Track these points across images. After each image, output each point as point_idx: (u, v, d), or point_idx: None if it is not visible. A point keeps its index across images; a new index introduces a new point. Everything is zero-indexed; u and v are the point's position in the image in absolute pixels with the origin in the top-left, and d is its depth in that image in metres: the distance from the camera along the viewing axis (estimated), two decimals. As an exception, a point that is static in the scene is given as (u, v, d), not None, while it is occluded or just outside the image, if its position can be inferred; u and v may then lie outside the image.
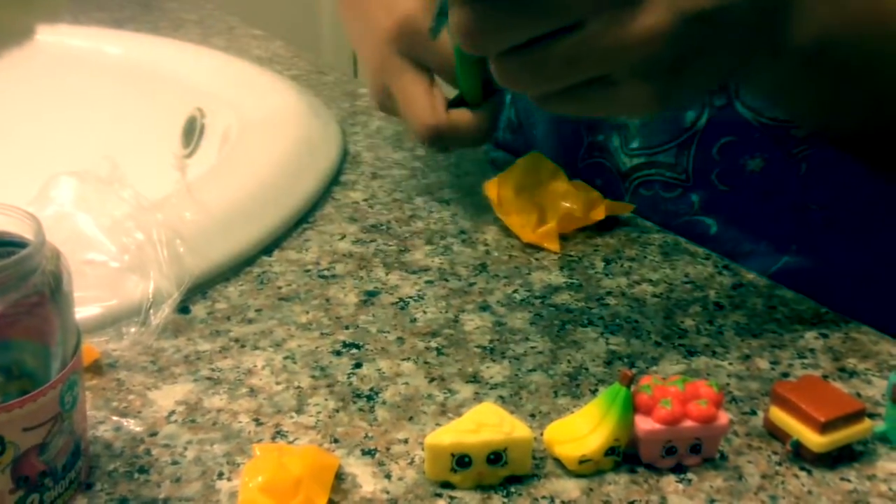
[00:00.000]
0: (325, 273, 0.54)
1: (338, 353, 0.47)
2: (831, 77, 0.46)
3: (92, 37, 0.90)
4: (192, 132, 0.75)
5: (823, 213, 0.59)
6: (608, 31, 0.37)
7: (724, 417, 0.39)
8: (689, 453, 0.40)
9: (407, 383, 0.45)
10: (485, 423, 0.38)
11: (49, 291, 0.34)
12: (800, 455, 0.41)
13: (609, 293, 0.53)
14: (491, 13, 0.37)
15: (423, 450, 0.39)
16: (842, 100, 0.48)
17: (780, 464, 0.40)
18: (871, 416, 0.42)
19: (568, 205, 0.59)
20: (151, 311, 0.48)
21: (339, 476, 0.39)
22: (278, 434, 0.41)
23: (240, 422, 0.42)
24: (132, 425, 0.42)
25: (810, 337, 0.49)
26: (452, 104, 0.58)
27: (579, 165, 0.66)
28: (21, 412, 0.33)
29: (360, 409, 0.43)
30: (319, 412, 0.43)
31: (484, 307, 0.51)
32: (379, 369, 0.46)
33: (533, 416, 0.43)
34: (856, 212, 0.58)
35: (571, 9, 0.37)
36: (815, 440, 0.40)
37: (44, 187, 0.53)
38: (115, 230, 0.51)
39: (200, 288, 0.52)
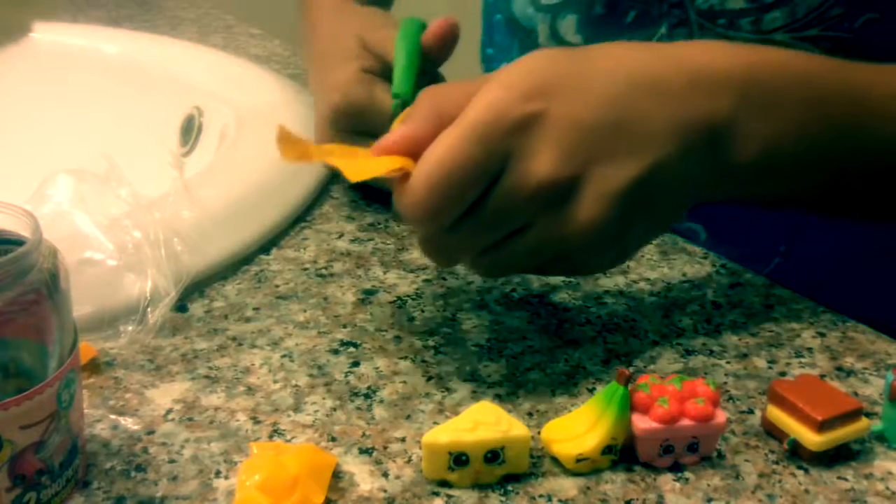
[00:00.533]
0: (323, 272, 0.54)
1: (335, 352, 0.47)
2: (783, 176, 0.47)
3: (89, 35, 0.90)
4: (189, 130, 0.75)
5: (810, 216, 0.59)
6: (552, 227, 0.42)
7: (721, 416, 0.39)
8: (686, 452, 0.40)
9: (405, 382, 0.45)
10: (482, 422, 0.38)
11: (46, 289, 0.33)
12: (797, 454, 0.41)
13: (607, 292, 0.53)
14: (454, 236, 0.42)
15: (420, 448, 0.39)
16: (799, 188, 0.48)
17: (777, 462, 0.41)
18: (869, 415, 0.42)
19: None
20: (149, 309, 0.48)
21: (337, 475, 0.39)
22: (276, 433, 0.41)
23: (237, 420, 0.42)
24: (129, 423, 0.42)
25: (808, 336, 0.49)
26: None
27: None
28: (18, 410, 0.33)
29: (358, 408, 0.43)
30: (317, 411, 0.43)
31: (482, 306, 0.51)
32: (377, 368, 0.46)
33: (530, 414, 0.43)
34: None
35: (517, 218, 0.42)
36: (812, 439, 0.40)
37: (41, 185, 0.53)
38: (113, 228, 0.51)
39: (198, 286, 0.52)
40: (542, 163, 0.40)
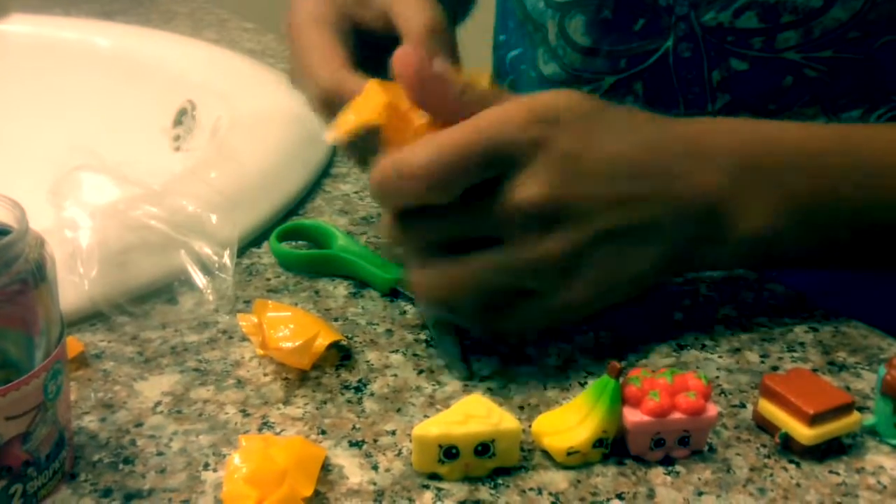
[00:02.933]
0: (315, 265, 0.54)
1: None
2: (783, 245, 0.47)
3: (82, 28, 0.90)
4: (182, 124, 0.75)
5: None
6: (522, 249, 0.41)
7: (712, 409, 0.39)
8: (677, 445, 0.40)
9: (395, 375, 0.45)
10: (473, 415, 0.38)
11: (32, 279, 0.33)
12: (788, 448, 0.40)
13: (599, 286, 0.53)
14: (421, 221, 0.42)
15: (410, 441, 0.39)
16: (799, 254, 0.49)
17: (768, 456, 0.40)
18: (861, 409, 0.42)
19: None
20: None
21: (326, 467, 0.39)
22: (265, 425, 0.41)
23: (226, 413, 0.42)
24: (118, 416, 0.41)
25: (800, 331, 0.49)
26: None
27: None
28: (3, 401, 0.33)
29: (348, 401, 0.43)
30: (307, 404, 0.43)
31: (473, 300, 0.51)
32: (367, 361, 0.46)
33: (521, 407, 0.43)
34: None
35: (489, 225, 0.41)
36: (803, 433, 0.39)
37: (56, 182, 0.52)
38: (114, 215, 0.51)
39: (188, 279, 0.51)
40: (533, 184, 0.41)
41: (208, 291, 0.49)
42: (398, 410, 0.42)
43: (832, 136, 0.48)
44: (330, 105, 0.46)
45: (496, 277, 0.43)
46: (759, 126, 0.47)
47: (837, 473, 0.40)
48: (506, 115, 0.41)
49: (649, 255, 0.44)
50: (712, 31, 0.54)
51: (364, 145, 0.44)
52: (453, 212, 0.42)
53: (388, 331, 0.48)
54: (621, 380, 0.39)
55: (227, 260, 0.50)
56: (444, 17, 0.47)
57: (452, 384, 0.44)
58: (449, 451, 0.38)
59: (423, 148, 0.40)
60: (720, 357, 0.47)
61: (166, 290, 0.50)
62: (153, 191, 0.53)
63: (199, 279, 0.50)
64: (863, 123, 0.48)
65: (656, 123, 0.45)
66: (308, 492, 0.36)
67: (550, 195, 0.41)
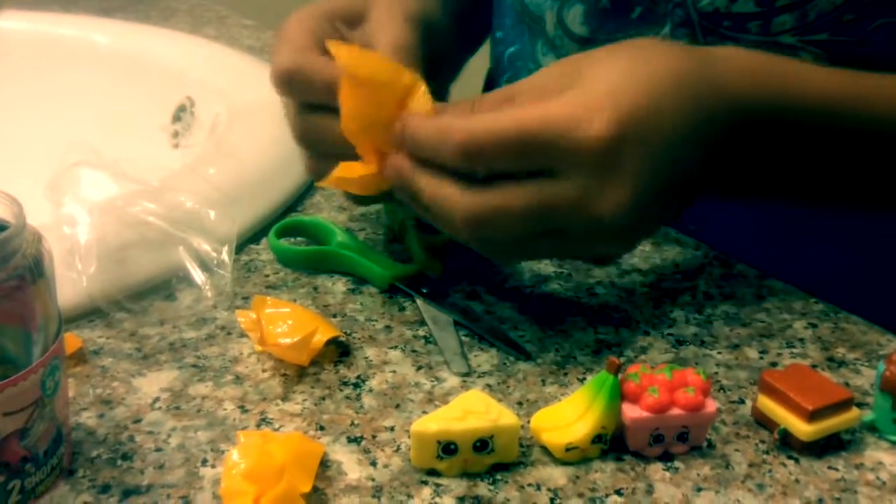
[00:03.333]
0: (313, 261, 0.54)
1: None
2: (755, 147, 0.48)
3: (81, 25, 0.90)
4: (180, 120, 0.75)
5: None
6: (575, 194, 0.41)
7: (711, 405, 0.39)
8: (676, 441, 0.40)
9: (394, 371, 0.45)
10: (471, 411, 0.38)
11: (30, 275, 0.33)
12: (787, 443, 0.40)
13: (598, 283, 0.53)
14: (481, 192, 0.42)
15: (409, 437, 0.39)
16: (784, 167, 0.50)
17: (767, 452, 0.40)
18: (860, 405, 0.42)
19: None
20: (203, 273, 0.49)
21: (325, 463, 0.39)
22: (263, 421, 0.41)
23: (225, 409, 0.42)
24: (116, 412, 0.41)
25: (799, 327, 0.49)
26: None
27: None
28: (1, 397, 0.33)
29: (347, 397, 0.43)
30: (305, 400, 0.42)
31: (472, 296, 0.51)
32: (366, 357, 0.46)
33: (520, 403, 0.43)
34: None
35: (548, 224, 0.42)
36: (802, 429, 0.39)
37: (54, 178, 0.52)
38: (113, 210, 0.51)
39: (187, 275, 0.51)
40: (611, 198, 0.41)
41: (206, 288, 0.49)
42: (397, 406, 0.42)
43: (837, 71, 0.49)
44: (288, 83, 0.48)
45: (535, 214, 0.42)
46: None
47: (836, 469, 0.40)
48: (566, 116, 0.41)
49: (674, 198, 0.45)
50: (709, 16, 0.54)
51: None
52: (506, 201, 0.42)
53: (387, 327, 0.48)
54: (620, 376, 0.39)
55: (225, 256, 0.50)
56: (412, 37, 0.48)
57: (451, 380, 0.44)
58: (447, 447, 0.38)
59: (483, 119, 0.41)
60: (719, 353, 0.47)
61: (164, 286, 0.50)
62: (152, 187, 0.53)
63: (198, 275, 0.50)
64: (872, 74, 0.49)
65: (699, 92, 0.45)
66: (306, 487, 0.36)
67: (626, 211, 0.42)
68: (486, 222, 0.42)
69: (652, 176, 0.42)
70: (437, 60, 0.51)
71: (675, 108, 0.43)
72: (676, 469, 0.39)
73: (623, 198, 0.41)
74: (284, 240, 0.55)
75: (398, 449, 0.40)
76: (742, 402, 0.43)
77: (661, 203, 0.44)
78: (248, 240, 0.56)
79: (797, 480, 0.39)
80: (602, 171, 0.41)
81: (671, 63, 0.44)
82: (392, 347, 0.46)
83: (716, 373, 0.45)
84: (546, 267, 0.54)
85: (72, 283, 0.47)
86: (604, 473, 0.39)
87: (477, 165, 0.42)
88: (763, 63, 0.48)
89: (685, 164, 0.44)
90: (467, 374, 0.44)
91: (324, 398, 0.43)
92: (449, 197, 0.42)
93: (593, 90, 0.42)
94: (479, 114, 0.42)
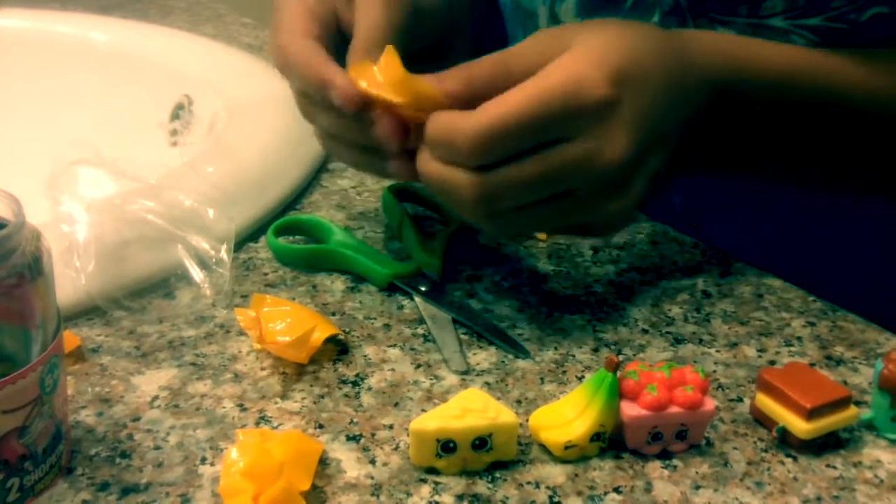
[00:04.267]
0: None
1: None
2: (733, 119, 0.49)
3: (79, 23, 0.90)
4: (179, 119, 0.74)
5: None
6: (584, 152, 0.42)
7: (710, 403, 0.39)
8: (674, 439, 0.40)
9: (393, 370, 0.45)
10: (470, 409, 0.38)
11: (29, 273, 0.33)
12: (786, 442, 0.41)
13: (597, 281, 0.53)
14: (489, 178, 0.42)
15: (408, 435, 0.39)
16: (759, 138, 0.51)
17: (765, 450, 0.40)
18: (858, 403, 0.42)
19: None
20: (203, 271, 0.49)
21: (324, 461, 0.39)
22: (262, 419, 0.41)
23: (223, 407, 0.42)
24: (115, 410, 0.41)
25: (797, 325, 0.49)
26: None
27: None
28: (0, 394, 0.33)
29: (346, 395, 0.43)
30: (304, 398, 0.42)
31: (471, 294, 0.51)
32: (365, 355, 0.46)
33: (519, 402, 0.43)
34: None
35: (564, 185, 0.43)
36: (801, 427, 0.39)
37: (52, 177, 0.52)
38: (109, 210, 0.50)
39: (186, 273, 0.51)
40: (615, 147, 0.42)
41: (205, 286, 0.49)
42: (395, 405, 0.42)
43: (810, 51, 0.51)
44: (283, 71, 0.48)
45: (548, 179, 0.43)
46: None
47: (834, 467, 0.40)
48: (572, 77, 0.42)
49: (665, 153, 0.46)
50: (699, 4, 0.54)
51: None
52: (519, 173, 0.42)
53: (386, 325, 0.48)
54: (619, 373, 0.39)
55: (223, 255, 0.50)
56: (390, 24, 0.48)
57: (450, 378, 0.44)
58: (446, 445, 0.38)
59: (491, 111, 0.41)
60: (717, 351, 0.47)
61: (163, 284, 0.50)
62: (150, 185, 0.53)
63: (196, 274, 0.50)
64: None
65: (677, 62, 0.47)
66: (305, 486, 0.36)
67: (630, 154, 0.43)
68: (498, 195, 0.43)
69: (647, 124, 0.44)
70: (445, 30, 0.52)
71: (660, 74, 0.45)
72: (675, 467, 0.39)
73: (625, 143, 0.43)
74: (283, 238, 0.55)
75: (397, 447, 0.40)
76: (740, 400, 0.43)
77: (656, 155, 0.45)
78: (247, 238, 0.56)
79: (795, 478, 0.39)
80: (605, 124, 0.42)
81: (651, 40, 0.46)
82: (391, 346, 0.46)
83: (714, 371, 0.45)
84: (545, 265, 0.54)
85: (70, 280, 0.47)
86: (602, 471, 0.39)
87: (487, 160, 0.42)
88: (732, 42, 0.50)
89: (672, 122, 0.45)
90: (466, 373, 0.44)
91: (323, 396, 0.43)
92: (459, 177, 0.43)
93: (587, 50, 0.43)
94: (480, 109, 0.42)
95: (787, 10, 0.52)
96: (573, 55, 0.43)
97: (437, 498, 0.37)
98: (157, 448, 0.39)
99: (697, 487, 0.38)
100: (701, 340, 0.48)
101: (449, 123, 0.42)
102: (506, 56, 0.44)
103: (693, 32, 0.50)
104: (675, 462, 0.40)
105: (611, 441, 0.40)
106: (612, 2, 0.57)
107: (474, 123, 0.41)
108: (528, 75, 0.42)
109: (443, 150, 0.43)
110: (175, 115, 0.75)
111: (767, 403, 0.41)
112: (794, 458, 0.40)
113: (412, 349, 0.46)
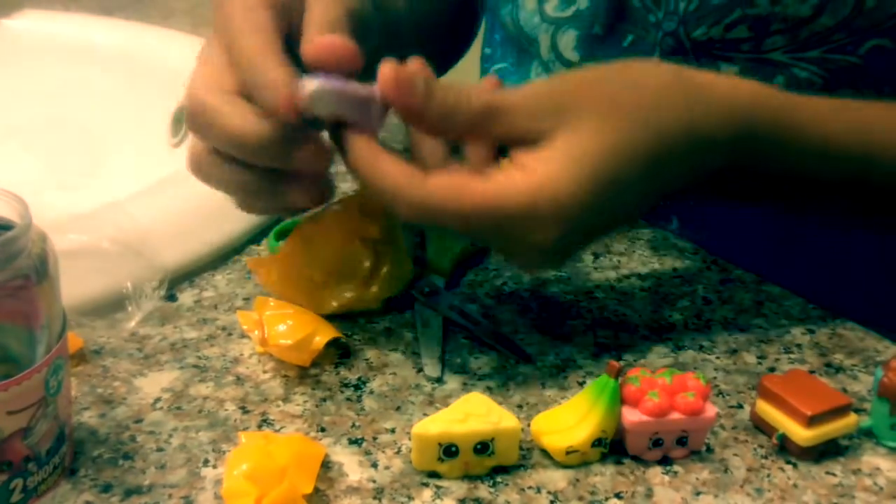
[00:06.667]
0: (314, 263, 0.54)
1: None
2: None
3: (81, 25, 0.90)
4: (180, 121, 0.74)
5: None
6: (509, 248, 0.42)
7: (711, 410, 0.40)
8: (675, 445, 0.40)
9: (395, 373, 0.45)
10: (472, 413, 0.38)
11: (34, 274, 0.33)
12: (786, 448, 0.41)
13: (598, 287, 0.53)
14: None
15: (410, 439, 0.39)
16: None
17: (765, 457, 0.41)
18: (858, 411, 0.42)
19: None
20: (135, 299, 0.48)
21: (326, 465, 0.39)
22: (265, 422, 0.41)
23: (226, 409, 0.42)
24: (118, 412, 0.41)
25: (797, 332, 0.50)
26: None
27: None
28: (5, 395, 0.33)
29: (348, 399, 0.43)
30: (306, 401, 0.43)
31: (472, 299, 0.51)
32: (367, 359, 0.46)
33: (520, 406, 0.43)
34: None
35: (492, 238, 0.41)
36: (801, 434, 0.40)
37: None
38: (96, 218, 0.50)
39: (188, 276, 0.52)
40: (544, 245, 0.41)
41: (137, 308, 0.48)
42: (397, 408, 0.42)
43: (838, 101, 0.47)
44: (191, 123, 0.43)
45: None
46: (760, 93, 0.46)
47: (834, 474, 0.40)
48: (533, 213, 0.39)
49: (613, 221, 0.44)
50: (701, 45, 0.54)
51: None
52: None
53: (388, 329, 0.48)
54: (620, 379, 0.39)
55: (156, 287, 0.49)
56: (339, 22, 0.43)
57: (451, 383, 0.44)
58: (448, 450, 0.38)
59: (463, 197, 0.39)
60: (718, 358, 0.47)
61: (117, 304, 0.48)
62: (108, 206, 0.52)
63: (136, 301, 0.48)
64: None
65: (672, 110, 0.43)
66: (308, 489, 0.37)
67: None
68: (429, 218, 0.40)
69: (606, 221, 0.43)
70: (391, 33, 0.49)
71: (663, 160, 0.42)
72: (675, 473, 0.39)
73: (556, 246, 0.41)
74: (283, 242, 0.55)
75: (399, 451, 0.40)
76: (741, 406, 0.44)
77: (596, 238, 0.47)
78: (249, 241, 0.56)
79: (795, 485, 0.39)
80: (539, 247, 0.41)
81: (656, 115, 0.42)
82: (392, 349, 0.47)
83: (714, 377, 0.46)
84: (546, 271, 0.54)
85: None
86: (603, 477, 0.39)
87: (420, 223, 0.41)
88: (757, 100, 0.45)
89: (665, 190, 0.43)
90: (438, 381, 0.44)
91: (325, 399, 0.43)
92: (395, 188, 0.40)
93: (562, 161, 0.40)
94: (435, 184, 0.39)
95: (789, 45, 0.52)
96: (547, 167, 0.39)
97: (438, 502, 0.37)
98: (160, 450, 0.39)
99: (698, 493, 0.38)
100: (701, 347, 0.48)
101: (398, 185, 0.39)
102: (497, 105, 0.40)
103: (715, 94, 0.44)
104: (675, 468, 0.40)
105: (612, 446, 0.40)
106: (613, 39, 0.57)
107: (424, 196, 0.39)
108: (510, 134, 0.40)
109: (383, 198, 0.40)
110: (177, 118, 0.75)
111: (768, 410, 0.41)
112: (794, 465, 0.40)
113: (414, 353, 0.46)
